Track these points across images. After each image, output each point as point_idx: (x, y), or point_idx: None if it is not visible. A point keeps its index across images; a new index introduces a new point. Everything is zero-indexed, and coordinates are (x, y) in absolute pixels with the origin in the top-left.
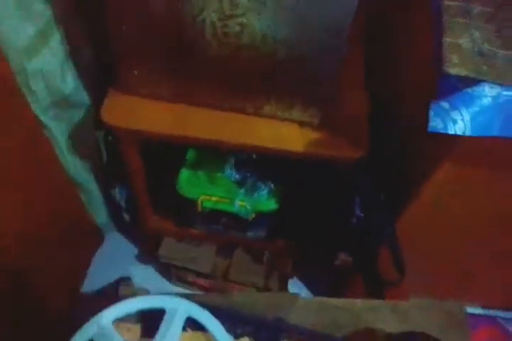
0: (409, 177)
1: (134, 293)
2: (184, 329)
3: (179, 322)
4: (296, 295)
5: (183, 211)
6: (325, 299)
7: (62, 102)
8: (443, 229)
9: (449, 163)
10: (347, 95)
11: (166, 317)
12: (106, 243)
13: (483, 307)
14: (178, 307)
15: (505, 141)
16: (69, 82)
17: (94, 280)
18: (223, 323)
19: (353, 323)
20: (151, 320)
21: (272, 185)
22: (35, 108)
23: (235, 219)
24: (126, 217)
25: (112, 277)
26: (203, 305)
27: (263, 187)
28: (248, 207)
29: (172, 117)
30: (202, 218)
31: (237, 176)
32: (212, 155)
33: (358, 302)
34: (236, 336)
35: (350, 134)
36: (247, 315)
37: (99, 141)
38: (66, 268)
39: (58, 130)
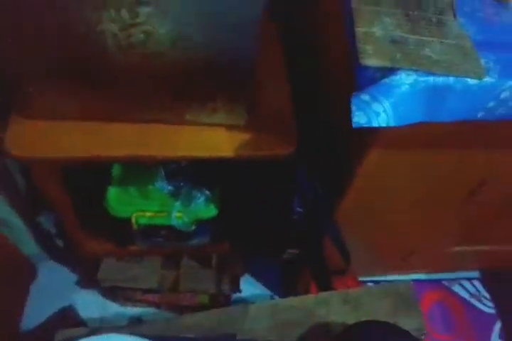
0: (340, 167)
1: (75, 336)
2: None
3: None
4: (246, 305)
5: (118, 230)
6: (276, 301)
7: None
8: (379, 212)
9: (374, 153)
10: (269, 93)
11: None
12: (40, 274)
13: (427, 272)
14: None
15: (426, 125)
16: None
17: (33, 316)
18: None
19: (307, 320)
20: None
21: (208, 192)
22: None
23: (175, 230)
24: (59, 242)
25: (52, 309)
26: (150, 335)
27: (199, 195)
28: (186, 219)
29: (87, 137)
30: (140, 234)
31: (169, 188)
32: (140, 167)
33: (310, 298)
34: None
35: (278, 131)
36: (197, 339)
37: (11, 168)
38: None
39: None
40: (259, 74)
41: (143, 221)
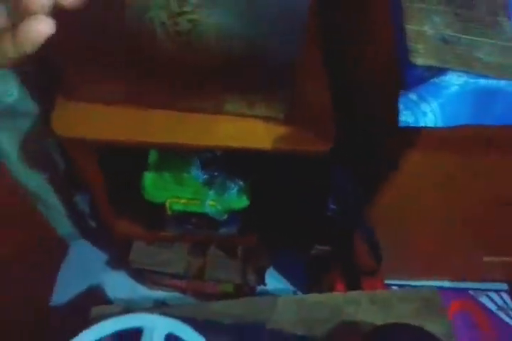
0: (379, 166)
1: (108, 313)
2: None
3: (159, 339)
4: (274, 297)
5: (151, 214)
6: (303, 296)
7: (7, 112)
8: (413, 215)
9: (417, 153)
10: (310, 88)
11: (144, 336)
12: (72, 253)
13: (453, 280)
14: (156, 325)
15: (472, 128)
16: (12, 91)
17: (62, 293)
18: (203, 335)
19: (334, 317)
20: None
21: (241, 183)
22: None
23: (206, 218)
24: (92, 223)
25: (82, 287)
26: (179, 318)
27: (232, 185)
28: (219, 207)
29: (127, 122)
30: (171, 220)
31: (204, 176)
32: (176, 155)
33: (339, 296)
34: None
35: (316, 127)
36: (227, 325)
37: (52, 149)
38: (31, 286)
39: (7, 141)
40: (301, 70)
41: (177, 207)
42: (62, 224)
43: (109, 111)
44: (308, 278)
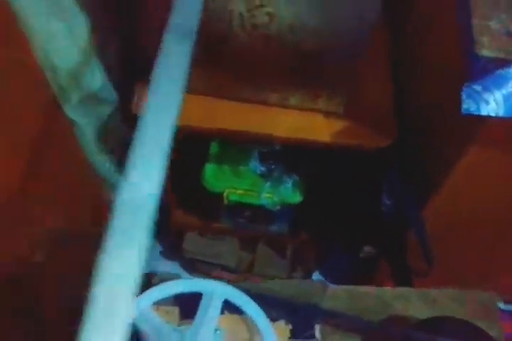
0: (435, 164)
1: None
2: (221, 312)
3: (217, 304)
4: (324, 284)
5: (208, 206)
6: (354, 287)
7: (91, 99)
8: (471, 219)
9: (475, 149)
10: (372, 83)
11: (203, 300)
12: None
13: (506, 302)
14: (216, 291)
15: None
16: (97, 79)
17: None
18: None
19: (383, 310)
20: (188, 303)
21: (297, 177)
22: (65, 106)
23: (259, 213)
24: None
25: None
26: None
27: (288, 179)
28: (274, 199)
29: (200, 110)
30: (226, 212)
31: (262, 168)
32: (236, 148)
33: (388, 290)
34: (272, 319)
35: (376, 122)
36: (282, 300)
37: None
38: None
39: (88, 128)
40: (365, 66)
41: (234, 197)
42: None
43: (184, 99)
44: (355, 280)
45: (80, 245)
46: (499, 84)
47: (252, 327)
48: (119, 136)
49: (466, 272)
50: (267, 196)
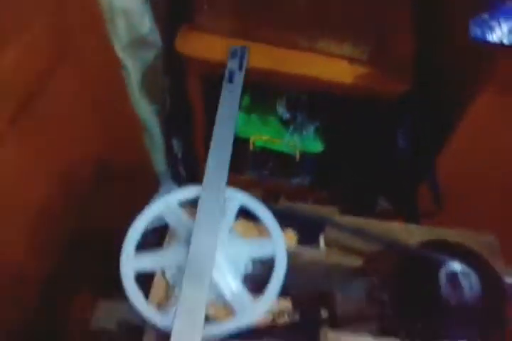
0: (448, 110)
1: None
2: (237, 218)
3: (234, 209)
4: (334, 209)
5: (235, 154)
6: (362, 218)
7: (139, 42)
8: (482, 164)
9: (487, 94)
10: (395, 34)
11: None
12: (161, 191)
13: None
14: (234, 196)
15: None
16: (146, 22)
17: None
18: None
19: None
20: None
21: (319, 124)
22: (116, 45)
23: (281, 164)
24: (182, 170)
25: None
26: None
27: (310, 125)
28: (297, 146)
29: None
30: (251, 163)
31: (287, 115)
32: (264, 99)
33: (394, 224)
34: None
35: (396, 69)
36: (290, 210)
37: (166, 88)
38: (126, 206)
39: (133, 69)
40: (389, 18)
41: (259, 143)
42: (160, 161)
43: (221, 40)
44: None
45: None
46: (507, 15)
47: (262, 233)
48: (161, 84)
49: (473, 220)
50: (290, 143)
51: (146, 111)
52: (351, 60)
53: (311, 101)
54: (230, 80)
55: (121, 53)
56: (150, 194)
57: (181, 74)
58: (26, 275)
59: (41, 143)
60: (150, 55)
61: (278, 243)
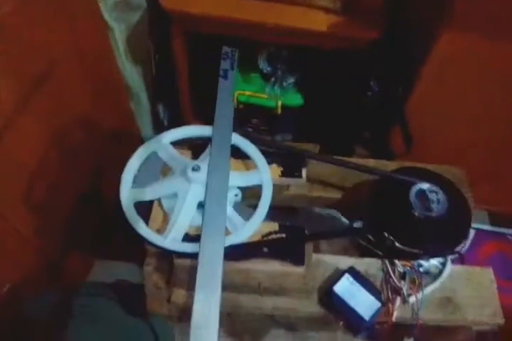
0: (416, 54)
1: None
2: None
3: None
4: (315, 145)
5: None
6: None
7: (123, 3)
8: (446, 103)
9: (448, 36)
10: None
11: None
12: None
13: (493, 224)
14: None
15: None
16: None
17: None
18: None
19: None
20: (199, 149)
21: (298, 77)
22: (103, 8)
23: (264, 121)
24: None
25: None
26: None
27: (290, 77)
28: (279, 99)
29: (218, 4)
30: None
31: (268, 68)
32: (246, 58)
33: (369, 161)
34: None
35: (367, 19)
36: (275, 145)
37: (151, 50)
38: (110, 172)
39: (119, 32)
40: None
41: (243, 99)
42: (147, 126)
43: None
44: None
45: None
46: None
47: (249, 168)
48: (147, 46)
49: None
50: (272, 95)
51: (132, 74)
52: (327, 10)
53: (290, 55)
54: (225, 77)
55: (107, 16)
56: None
57: (166, 34)
58: (25, 235)
59: (41, 108)
60: (135, 17)
61: (264, 173)
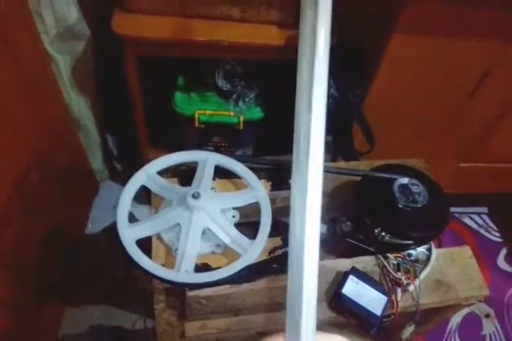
0: (370, 56)
1: None
2: (213, 178)
3: (210, 169)
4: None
5: (180, 132)
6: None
7: (67, 33)
8: (401, 98)
9: (399, 34)
10: None
11: (198, 167)
12: (102, 190)
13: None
14: (208, 158)
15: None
16: (73, 12)
17: (96, 223)
18: None
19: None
20: (185, 175)
21: (258, 91)
22: (45, 39)
23: (225, 138)
24: (118, 166)
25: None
26: None
27: (249, 92)
28: (240, 115)
29: (172, 26)
30: (196, 139)
31: (228, 86)
32: (200, 78)
33: (341, 163)
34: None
35: None
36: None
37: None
38: (68, 210)
39: (63, 63)
40: None
41: (204, 118)
42: (97, 158)
43: (156, 20)
44: None
45: None
46: None
47: (238, 186)
48: (93, 77)
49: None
50: (234, 112)
51: (79, 105)
52: (279, 25)
53: (246, 71)
54: None
55: (50, 48)
56: (89, 193)
57: (115, 61)
58: None
59: None
60: (79, 47)
61: (259, 190)
